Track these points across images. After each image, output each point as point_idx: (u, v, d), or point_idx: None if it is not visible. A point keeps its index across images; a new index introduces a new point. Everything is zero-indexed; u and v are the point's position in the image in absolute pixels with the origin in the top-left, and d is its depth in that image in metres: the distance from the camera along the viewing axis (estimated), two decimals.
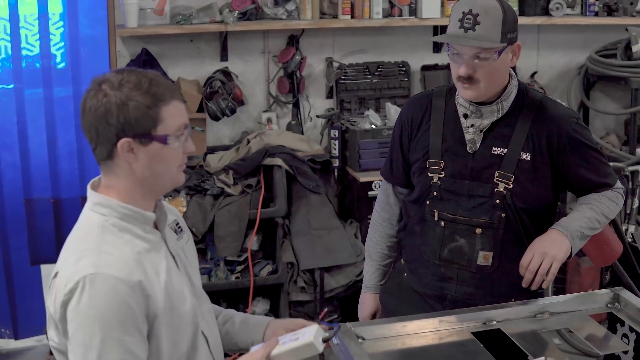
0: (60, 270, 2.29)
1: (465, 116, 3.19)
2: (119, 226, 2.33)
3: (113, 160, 2.32)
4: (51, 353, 4.96)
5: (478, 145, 3.17)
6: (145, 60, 5.69)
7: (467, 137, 3.18)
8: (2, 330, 5.73)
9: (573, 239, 3.05)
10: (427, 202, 3.25)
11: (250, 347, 2.58)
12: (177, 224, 2.57)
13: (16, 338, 5.79)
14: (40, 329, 5.61)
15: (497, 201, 3.13)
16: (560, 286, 5.83)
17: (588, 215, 3.13)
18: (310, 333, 2.45)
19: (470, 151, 3.18)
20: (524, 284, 3.03)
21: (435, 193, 3.22)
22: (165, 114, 2.31)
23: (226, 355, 2.74)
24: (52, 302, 2.30)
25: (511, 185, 3.12)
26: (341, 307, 5.76)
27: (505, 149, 3.14)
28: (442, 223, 3.22)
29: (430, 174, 3.23)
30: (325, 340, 2.47)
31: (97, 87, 2.29)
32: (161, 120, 2.30)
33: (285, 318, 2.79)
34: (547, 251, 3.00)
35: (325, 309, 5.60)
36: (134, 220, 2.35)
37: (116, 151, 2.29)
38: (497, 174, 3.13)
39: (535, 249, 3.02)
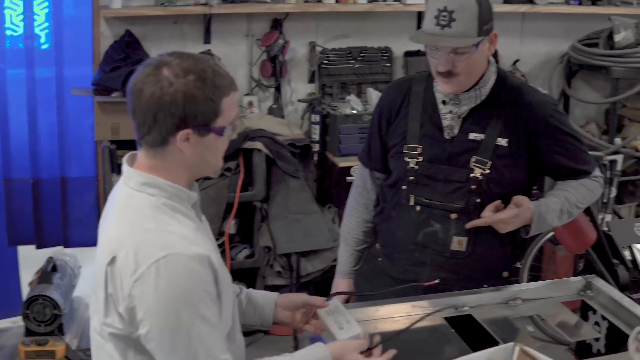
0: (118, 256, 2.23)
1: (444, 102, 3.19)
2: (169, 206, 2.29)
3: (166, 147, 2.27)
4: (27, 334, 5.00)
5: (456, 131, 3.18)
6: (129, 42, 5.67)
7: (445, 123, 3.19)
8: None
9: (538, 219, 3.09)
10: (404, 187, 3.25)
11: (258, 324, 2.75)
12: None
13: None
14: (16, 311, 5.55)
15: (473, 187, 3.14)
16: (536, 274, 5.85)
17: (559, 207, 3.15)
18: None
19: (447, 137, 3.19)
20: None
21: (412, 178, 3.23)
22: (225, 106, 2.27)
23: None
24: (114, 290, 2.23)
25: (487, 171, 3.13)
26: (317, 292, 5.77)
27: (483, 135, 3.15)
28: (418, 208, 3.22)
29: (408, 158, 3.23)
30: None
31: (156, 71, 2.23)
32: (221, 112, 2.27)
33: (287, 294, 2.81)
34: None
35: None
36: (180, 199, 2.32)
37: (172, 140, 2.25)
38: (473, 160, 3.14)
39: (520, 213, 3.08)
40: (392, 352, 2.53)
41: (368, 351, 2.53)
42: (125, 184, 2.34)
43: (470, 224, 3.11)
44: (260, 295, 2.80)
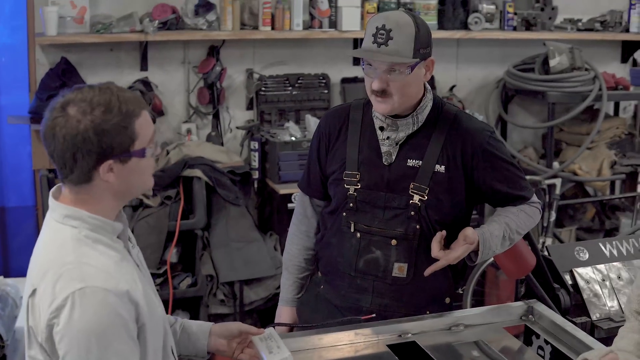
0: (38, 288, 2.23)
1: (382, 129, 3.20)
2: (92, 237, 2.29)
3: (91, 182, 2.27)
4: None
5: (394, 157, 3.18)
6: (65, 70, 5.63)
7: (383, 149, 3.20)
8: None
9: (484, 247, 3.09)
10: (344, 214, 3.25)
11: (193, 354, 2.75)
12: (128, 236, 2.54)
13: None
14: None
15: (412, 213, 3.15)
16: (479, 299, 5.88)
17: (502, 234, 3.16)
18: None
19: (386, 163, 3.19)
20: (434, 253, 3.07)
21: (351, 204, 3.22)
22: (139, 128, 2.28)
23: None
24: (34, 322, 2.25)
25: (426, 197, 3.14)
26: (261, 320, 5.75)
27: (420, 161, 3.16)
28: (358, 234, 3.22)
29: (347, 185, 3.23)
30: None
31: (63, 113, 2.22)
32: (137, 135, 2.27)
33: (222, 323, 2.81)
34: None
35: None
36: (103, 230, 2.32)
37: (95, 174, 2.25)
38: (412, 186, 3.15)
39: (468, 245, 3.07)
40: None
41: None
42: (51, 216, 2.36)
43: (428, 271, 3.09)
44: (195, 325, 2.79)
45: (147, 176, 2.39)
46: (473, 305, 5.04)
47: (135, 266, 2.42)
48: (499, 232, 3.14)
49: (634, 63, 7.28)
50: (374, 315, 3.08)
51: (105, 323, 2.17)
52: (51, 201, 2.35)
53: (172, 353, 2.53)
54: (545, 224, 5.92)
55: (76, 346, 2.16)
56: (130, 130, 2.25)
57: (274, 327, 2.80)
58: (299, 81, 6.33)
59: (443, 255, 3.04)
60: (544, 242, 5.79)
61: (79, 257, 2.23)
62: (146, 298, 2.33)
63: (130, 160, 2.28)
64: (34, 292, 2.25)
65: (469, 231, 3.05)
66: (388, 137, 3.19)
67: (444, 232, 3.08)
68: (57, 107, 2.24)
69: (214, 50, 6.06)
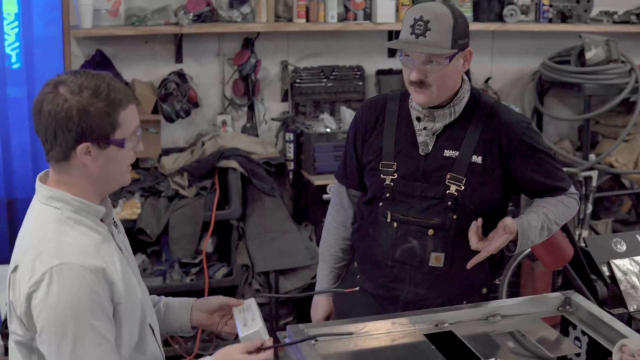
0: (20, 264, 2.33)
1: (418, 119, 3.20)
2: (74, 219, 2.37)
3: (69, 161, 2.36)
4: (6, 354, 4.95)
5: (430, 147, 3.18)
6: (100, 62, 5.66)
7: (420, 139, 3.20)
8: None
9: (522, 237, 3.08)
10: (380, 204, 3.25)
11: (178, 331, 2.83)
12: (113, 218, 2.59)
13: None
14: None
15: (449, 203, 3.15)
16: (515, 290, 5.87)
17: (540, 224, 3.14)
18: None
19: (422, 153, 3.19)
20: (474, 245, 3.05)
21: (388, 194, 3.23)
22: (123, 119, 2.36)
23: None
24: (14, 296, 2.34)
25: (462, 187, 3.13)
26: (296, 310, 5.76)
27: (457, 152, 3.16)
28: (395, 224, 3.22)
29: (383, 175, 3.23)
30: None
31: (54, 90, 2.31)
32: (119, 125, 2.36)
33: (204, 298, 2.87)
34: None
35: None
36: (86, 213, 2.40)
37: (73, 154, 2.33)
38: (448, 176, 3.15)
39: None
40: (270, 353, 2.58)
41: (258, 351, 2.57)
42: (36, 198, 2.45)
43: (471, 263, 3.08)
44: (178, 302, 2.87)
45: (124, 169, 2.47)
46: (508, 297, 5.03)
47: (118, 249, 2.49)
48: (537, 222, 3.13)
49: None
50: (357, 288, 3.15)
51: (81, 299, 2.26)
52: (37, 184, 2.45)
53: (153, 333, 2.59)
54: (581, 217, 5.90)
55: (53, 320, 2.25)
56: (113, 118, 2.34)
57: (254, 298, 2.82)
58: (334, 73, 6.32)
59: (483, 247, 3.03)
60: (580, 235, 5.76)
61: (59, 235, 2.33)
62: (124, 280, 2.41)
63: (108, 147, 2.36)
64: (15, 268, 2.35)
65: (508, 221, 3.04)
66: (425, 128, 3.19)
67: (479, 222, 3.08)
68: (50, 84, 2.34)
69: (248, 43, 6.07)
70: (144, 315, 2.52)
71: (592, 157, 6.40)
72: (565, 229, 3.82)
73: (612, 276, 4.04)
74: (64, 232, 2.33)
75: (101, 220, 2.47)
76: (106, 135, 2.33)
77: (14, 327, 2.38)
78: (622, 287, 4.00)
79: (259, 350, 2.55)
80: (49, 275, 2.24)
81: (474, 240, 3.04)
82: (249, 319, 2.69)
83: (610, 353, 2.73)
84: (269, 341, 2.59)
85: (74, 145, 2.31)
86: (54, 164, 2.39)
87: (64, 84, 2.32)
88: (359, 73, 6.39)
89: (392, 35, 6.24)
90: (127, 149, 2.41)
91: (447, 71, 3.06)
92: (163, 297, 2.87)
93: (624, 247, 4.13)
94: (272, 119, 6.23)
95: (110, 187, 2.50)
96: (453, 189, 3.14)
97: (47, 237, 2.32)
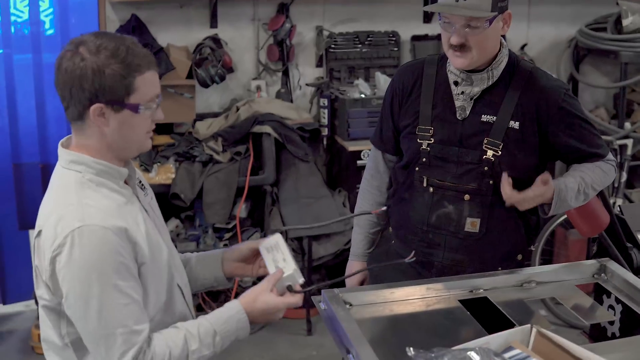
0: (43, 229, 2.34)
1: (456, 83, 3.18)
2: (95, 181, 2.38)
3: (84, 121, 2.36)
4: (38, 318, 5.01)
5: (468, 112, 3.17)
6: (135, 27, 5.67)
7: (457, 104, 3.18)
8: None
9: (558, 198, 3.07)
10: (416, 168, 3.25)
11: (215, 285, 2.82)
12: (140, 181, 2.60)
13: (4, 303, 5.80)
14: (29, 294, 5.60)
15: (486, 168, 3.13)
16: (548, 258, 5.85)
17: (577, 187, 3.13)
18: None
19: (459, 118, 3.17)
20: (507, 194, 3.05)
21: (424, 159, 3.22)
22: (139, 84, 2.35)
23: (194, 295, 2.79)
24: (39, 261, 2.35)
25: (499, 153, 3.12)
26: (329, 276, 5.78)
27: (495, 117, 3.14)
28: (431, 189, 3.22)
29: (420, 140, 3.22)
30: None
31: (74, 49, 2.32)
32: (134, 89, 2.35)
33: (233, 246, 2.87)
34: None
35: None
36: (108, 175, 2.40)
37: (88, 114, 2.33)
38: (485, 141, 3.13)
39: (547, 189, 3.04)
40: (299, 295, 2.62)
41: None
42: (59, 163, 2.45)
43: (505, 184, 3.06)
44: (208, 255, 2.88)
45: (142, 135, 2.45)
46: (541, 264, 5.01)
47: (143, 210, 2.49)
48: (574, 185, 3.11)
49: None
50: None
51: (105, 260, 2.27)
52: (60, 149, 2.44)
53: (182, 294, 2.60)
54: (616, 185, 5.87)
55: (78, 283, 2.27)
56: (129, 82, 2.33)
57: (280, 232, 2.81)
58: (369, 39, 6.31)
59: (517, 194, 3.02)
60: (614, 202, 5.73)
61: (81, 198, 2.34)
62: (149, 240, 2.42)
63: (122, 110, 2.35)
64: (39, 233, 2.36)
65: (547, 175, 3.03)
66: (462, 92, 3.17)
67: (507, 175, 3.06)
68: (72, 43, 2.36)
69: (283, 7, 6.05)
70: (171, 276, 2.53)
71: (627, 125, 6.36)
72: (601, 195, 3.78)
73: None
74: (86, 195, 2.34)
75: (125, 182, 2.47)
76: (120, 99, 2.33)
77: (41, 293, 2.39)
78: None
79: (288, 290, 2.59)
80: (70, 238, 2.26)
81: (507, 189, 3.03)
82: (279, 260, 2.68)
83: None
84: (297, 286, 2.63)
85: (88, 105, 2.32)
86: (73, 125, 2.40)
87: (84, 44, 2.32)
88: (394, 39, 6.37)
89: (427, 1, 6.19)
90: (143, 115, 2.39)
91: (488, 34, 3.04)
92: (194, 254, 2.88)
93: None
94: (307, 85, 6.23)
95: (128, 152, 2.48)
96: (490, 154, 3.13)
97: (68, 201, 2.33)
